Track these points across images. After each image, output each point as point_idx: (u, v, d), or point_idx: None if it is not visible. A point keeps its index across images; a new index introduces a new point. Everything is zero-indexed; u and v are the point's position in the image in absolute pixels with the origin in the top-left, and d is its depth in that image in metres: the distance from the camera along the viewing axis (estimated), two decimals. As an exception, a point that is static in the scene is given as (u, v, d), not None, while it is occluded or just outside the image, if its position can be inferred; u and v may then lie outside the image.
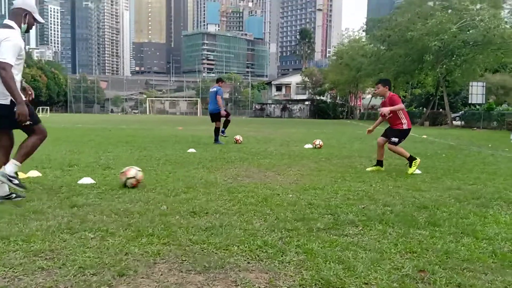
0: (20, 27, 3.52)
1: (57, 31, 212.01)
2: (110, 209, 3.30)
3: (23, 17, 3.55)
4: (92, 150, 7.74)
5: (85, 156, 6.83)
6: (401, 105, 5.76)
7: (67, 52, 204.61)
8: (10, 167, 3.54)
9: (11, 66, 3.30)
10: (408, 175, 5.48)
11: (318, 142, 9.32)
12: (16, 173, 3.65)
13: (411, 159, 5.67)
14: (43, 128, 3.67)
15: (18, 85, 3.44)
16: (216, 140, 9.81)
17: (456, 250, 2.52)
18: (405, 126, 5.79)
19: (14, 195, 3.57)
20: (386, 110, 5.75)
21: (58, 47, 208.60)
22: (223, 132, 10.12)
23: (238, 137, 10.20)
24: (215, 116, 9.91)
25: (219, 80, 10.36)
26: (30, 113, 3.43)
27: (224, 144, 9.60)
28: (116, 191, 4.01)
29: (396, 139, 5.77)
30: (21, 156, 3.59)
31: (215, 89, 9.97)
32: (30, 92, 3.77)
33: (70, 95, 69.91)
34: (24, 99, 3.46)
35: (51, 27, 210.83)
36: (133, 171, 4.22)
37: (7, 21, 3.49)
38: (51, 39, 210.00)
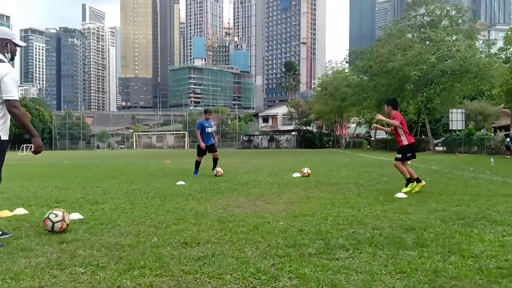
0: (5, 57, 3.43)
1: (42, 68, 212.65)
2: (100, 243, 3.27)
3: (4, 47, 3.41)
4: (79, 186, 7.65)
5: (72, 192, 6.75)
6: (395, 122, 6.21)
7: (52, 89, 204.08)
8: None
9: (19, 102, 3.33)
10: (395, 199, 5.57)
11: (306, 170, 9.40)
12: None
13: (408, 181, 5.99)
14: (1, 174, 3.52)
15: (8, 121, 3.44)
16: (213, 170, 9.76)
17: (444, 268, 2.58)
18: (404, 142, 6.21)
19: (-1, 233, 3.50)
20: (379, 117, 6.61)
21: (43, 84, 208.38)
22: (195, 173, 9.66)
23: (218, 169, 9.74)
24: (209, 148, 9.72)
25: (205, 112, 10.07)
26: None
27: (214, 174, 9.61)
28: (105, 225, 3.97)
29: (399, 155, 6.22)
30: None
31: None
32: None
33: (55, 132, 69.06)
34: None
35: (36, 64, 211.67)
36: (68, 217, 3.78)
37: None
38: (35, 76, 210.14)
